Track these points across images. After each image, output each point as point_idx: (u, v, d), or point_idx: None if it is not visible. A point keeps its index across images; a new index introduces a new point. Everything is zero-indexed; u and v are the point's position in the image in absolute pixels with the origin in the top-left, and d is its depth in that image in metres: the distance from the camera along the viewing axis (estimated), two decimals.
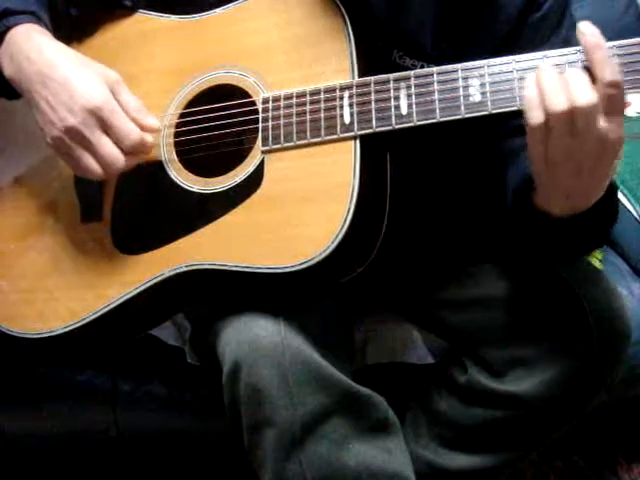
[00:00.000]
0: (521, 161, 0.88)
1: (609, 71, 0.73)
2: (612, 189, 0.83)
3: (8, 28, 0.90)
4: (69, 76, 0.87)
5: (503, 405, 1.01)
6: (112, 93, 0.88)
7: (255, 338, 0.86)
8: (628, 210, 1.40)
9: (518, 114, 0.76)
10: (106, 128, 0.87)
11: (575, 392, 0.99)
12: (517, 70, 0.81)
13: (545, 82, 0.74)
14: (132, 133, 0.88)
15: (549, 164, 0.76)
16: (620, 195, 1.40)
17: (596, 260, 1.33)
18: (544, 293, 0.99)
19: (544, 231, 0.87)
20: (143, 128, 0.90)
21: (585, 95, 0.72)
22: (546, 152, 0.75)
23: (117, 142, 0.87)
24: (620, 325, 0.97)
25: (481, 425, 1.04)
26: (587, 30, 0.75)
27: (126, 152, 0.88)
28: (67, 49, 0.91)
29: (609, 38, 0.77)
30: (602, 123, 0.73)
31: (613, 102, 0.73)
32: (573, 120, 0.73)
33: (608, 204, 0.84)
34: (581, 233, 0.87)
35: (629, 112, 1.50)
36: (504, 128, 0.94)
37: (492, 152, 0.97)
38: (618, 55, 0.76)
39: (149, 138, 0.90)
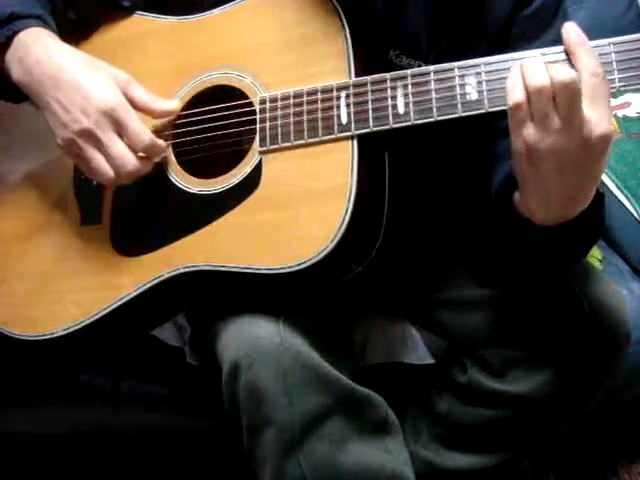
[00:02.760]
0: (507, 163, 0.87)
1: (594, 61, 0.74)
2: (597, 203, 0.82)
3: (15, 32, 0.90)
4: (81, 78, 0.87)
5: (503, 405, 1.01)
6: (123, 94, 0.89)
7: (254, 338, 0.86)
8: (628, 210, 1.39)
9: None
10: (119, 130, 0.87)
11: (575, 392, 0.99)
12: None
13: (527, 66, 0.74)
14: (144, 134, 0.88)
15: (532, 159, 0.75)
16: (620, 195, 1.40)
17: (596, 260, 1.33)
18: (543, 293, 0.99)
19: (525, 239, 0.86)
20: (165, 113, 0.92)
21: (565, 72, 0.72)
22: (528, 143, 0.74)
23: (129, 144, 0.88)
24: (620, 325, 0.97)
25: (481, 425, 1.04)
26: (572, 30, 0.76)
27: (138, 154, 0.88)
28: (76, 51, 0.91)
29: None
30: (585, 110, 0.73)
31: (596, 90, 0.73)
32: (554, 97, 0.72)
33: (593, 218, 0.83)
34: (563, 244, 0.86)
35: (629, 112, 1.50)
36: (495, 128, 0.93)
37: (486, 153, 0.97)
38: (615, 52, 0.76)
39: (161, 141, 0.91)
